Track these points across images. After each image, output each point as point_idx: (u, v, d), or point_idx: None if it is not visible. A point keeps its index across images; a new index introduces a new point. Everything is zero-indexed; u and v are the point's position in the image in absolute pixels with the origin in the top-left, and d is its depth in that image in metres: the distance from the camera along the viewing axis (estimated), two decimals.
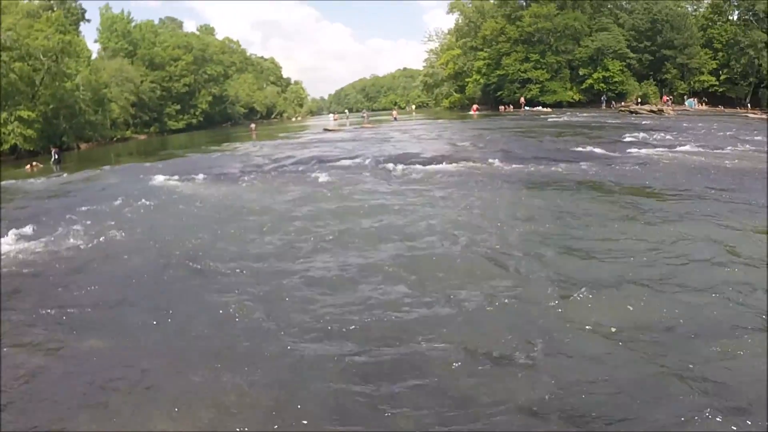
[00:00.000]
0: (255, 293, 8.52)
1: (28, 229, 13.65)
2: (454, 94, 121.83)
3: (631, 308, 7.18)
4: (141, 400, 6.00)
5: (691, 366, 5.89)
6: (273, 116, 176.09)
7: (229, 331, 7.35)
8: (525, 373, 6.03)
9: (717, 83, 79.60)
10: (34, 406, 6.03)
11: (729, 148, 23.32)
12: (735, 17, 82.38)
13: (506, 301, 7.64)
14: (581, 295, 7.54)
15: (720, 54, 79.92)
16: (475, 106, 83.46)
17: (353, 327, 7.18)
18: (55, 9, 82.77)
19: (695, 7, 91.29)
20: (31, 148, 55.63)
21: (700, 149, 22.82)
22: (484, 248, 9.89)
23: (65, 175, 30.38)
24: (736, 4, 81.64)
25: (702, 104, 74.22)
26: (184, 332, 7.40)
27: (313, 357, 6.55)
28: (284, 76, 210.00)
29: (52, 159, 43.24)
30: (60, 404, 6.04)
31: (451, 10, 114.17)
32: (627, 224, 11.20)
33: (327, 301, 8.08)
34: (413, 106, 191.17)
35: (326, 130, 60.25)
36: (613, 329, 6.73)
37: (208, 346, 6.98)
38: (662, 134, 30.10)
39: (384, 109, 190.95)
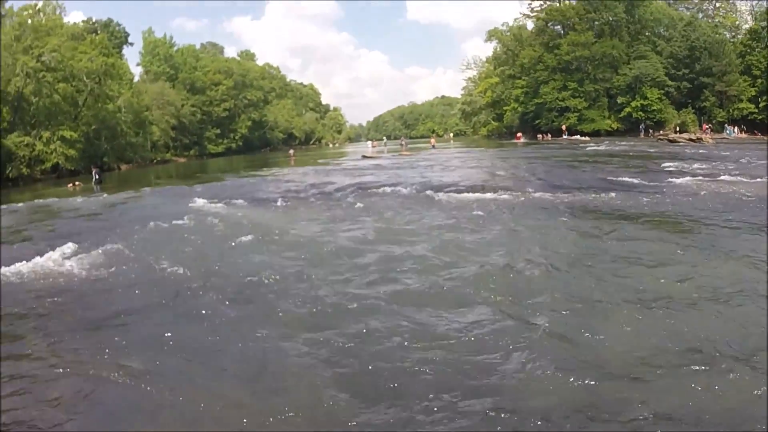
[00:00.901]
0: (289, 322, 8.45)
1: (68, 247, 13.64)
2: (492, 122, 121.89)
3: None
4: (166, 422, 6.06)
5: None
6: (312, 142, 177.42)
7: (262, 361, 7.27)
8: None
9: (756, 110, 78.44)
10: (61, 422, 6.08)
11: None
12: None
13: (543, 330, 7.56)
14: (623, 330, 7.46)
15: (759, 81, 78.62)
16: (519, 134, 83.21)
17: (395, 355, 7.14)
18: (99, 32, 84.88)
19: (733, 33, 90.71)
20: (73, 168, 56.68)
21: (740, 178, 22.38)
22: (519, 280, 9.81)
23: (105, 195, 30.61)
24: None
25: (742, 132, 73.30)
26: (218, 358, 7.38)
27: (358, 392, 6.46)
28: (323, 102, 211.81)
29: (93, 179, 43.72)
30: (85, 422, 6.09)
31: (489, 38, 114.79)
32: (668, 256, 10.91)
33: (366, 330, 7.97)
34: (451, 134, 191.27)
35: (364, 157, 60.15)
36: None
37: (243, 375, 6.91)
38: (701, 163, 29.65)
39: (422, 137, 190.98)
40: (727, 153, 38.12)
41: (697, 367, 6.28)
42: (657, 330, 7.29)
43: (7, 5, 63.20)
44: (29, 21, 58.64)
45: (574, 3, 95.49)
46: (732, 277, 9.44)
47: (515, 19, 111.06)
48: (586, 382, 6.08)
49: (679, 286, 8.95)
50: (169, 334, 8.16)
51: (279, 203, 21.52)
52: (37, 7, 61.76)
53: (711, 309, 8.02)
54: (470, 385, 6.28)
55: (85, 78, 63.38)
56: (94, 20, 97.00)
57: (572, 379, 6.22)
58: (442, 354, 7.02)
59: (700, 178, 22.71)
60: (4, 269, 12.05)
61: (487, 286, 9.39)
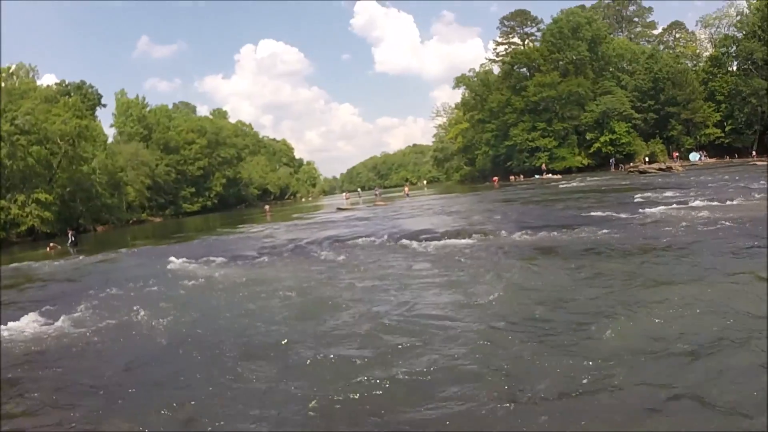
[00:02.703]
0: (271, 377, 8.44)
1: (46, 311, 13.59)
2: (465, 167, 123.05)
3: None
4: None
5: None
6: (287, 197, 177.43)
7: (247, 417, 7.40)
8: None
9: (723, 135, 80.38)
10: None
11: (738, 198, 23.31)
12: (734, 68, 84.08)
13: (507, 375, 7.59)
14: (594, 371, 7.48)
15: (723, 105, 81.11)
16: (495, 178, 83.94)
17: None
18: (72, 94, 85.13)
19: (695, 62, 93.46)
20: (48, 231, 56.48)
21: (710, 203, 22.60)
22: (493, 322, 9.86)
23: (82, 257, 30.31)
24: (734, 54, 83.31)
25: (706, 157, 74.54)
26: (201, 417, 7.46)
27: None
28: (296, 156, 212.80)
29: (69, 241, 43.70)
30: None
31: (457, 85, 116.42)
32: (640, 287, 10.93)
33: (347, 383, 8.07)
34: (425, 182, 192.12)
35: (339, 209, 60.04)
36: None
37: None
38: (672, 191, 29.91)
39: (396, 186, 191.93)
40: (697, 179, 38.73)
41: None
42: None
43: None
44: (2, 84, 58.93)
45: (538, 45, 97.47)
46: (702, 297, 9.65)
47: (482, 65, 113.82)
48: None
49: (638, 326, 8.82)
50: (147, 395, 8.17)
51: (256, 260, 21.33)
52: (10, 70, 62.24)
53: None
54: None
55: (59, 140, 63.49)
56: (67, 83, 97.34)
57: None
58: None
59: (673, 206, 22.88)
60: None
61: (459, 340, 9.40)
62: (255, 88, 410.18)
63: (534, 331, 9.11)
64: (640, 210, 22.72)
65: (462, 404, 6.75)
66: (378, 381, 7.74)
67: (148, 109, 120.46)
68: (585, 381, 6.82)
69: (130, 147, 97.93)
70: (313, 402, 7.18)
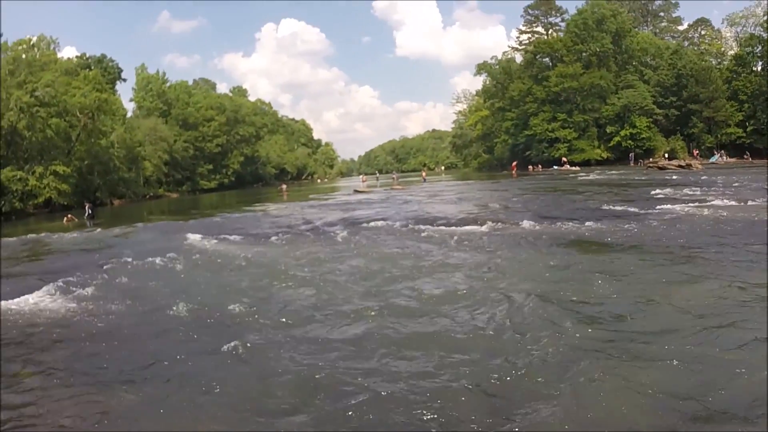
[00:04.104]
0: (285, 355, 8.40)
1: (61, 283, 13.52)
2: (483, 154, 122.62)
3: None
4: None
5: None
6: (303, 177, 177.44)
7: (259, 392, 7.33)
8: None
9: (744, 135, 79.39)
10: None
11: (758, 199, 23.09)
12: (759, 68, 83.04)
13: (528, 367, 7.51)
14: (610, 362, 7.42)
15: (746, 105, 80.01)
16: (514, 165, 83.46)
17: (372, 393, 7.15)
18: (92, 67, 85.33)
19: (719, 60, 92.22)
20: (65, 203, 56.69)
21: (729, 203, 22.49)
22: (507, 314, 9.76)
23: (98, 230, 30.29)
24: (759, 54, 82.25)
25: (726, 156, 73.77)
26: (214, 391, 7.39)
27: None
28: (314, 137, 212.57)
29: (86, 214, 43.79)
30: None
31: (478, 72, 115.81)
32: (658, 285, 10.83)
33: (355, 363, 8.04)
34: (442, 167, 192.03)
35: (356, 191, 60.17)
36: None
37: (236, 405, 6.94)
38: (691, 189, 29.66)
39: (413, 171, 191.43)
40: (716, 178, 38.32)
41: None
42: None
43: (1, 40, 63.72)
44: (23, 56, 58.96)
45: (561, 35, 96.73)
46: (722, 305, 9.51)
47: (504, 53, 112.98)
48: None
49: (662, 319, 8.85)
50: (162, 368, 8.19)
51: (272, 239, 21.28)
52: (32, 42, 62.19)
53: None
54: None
55: (78, 113, 63.56)
56: (87, 56, 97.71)
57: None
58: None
59: (691, 204, 22.69)
60: None
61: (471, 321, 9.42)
62: (275, 67, 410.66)
63: (540, 322, 9.06)
64: (659, 206, 22.55)
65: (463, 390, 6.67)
66: (382, 367, 7.76)
67: (168, 84, 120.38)
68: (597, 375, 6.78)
69: (148, 122, 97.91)
70: (321, 380, 7.19)
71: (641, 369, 6.94)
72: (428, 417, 6.12)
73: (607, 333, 8.38)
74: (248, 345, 8.79)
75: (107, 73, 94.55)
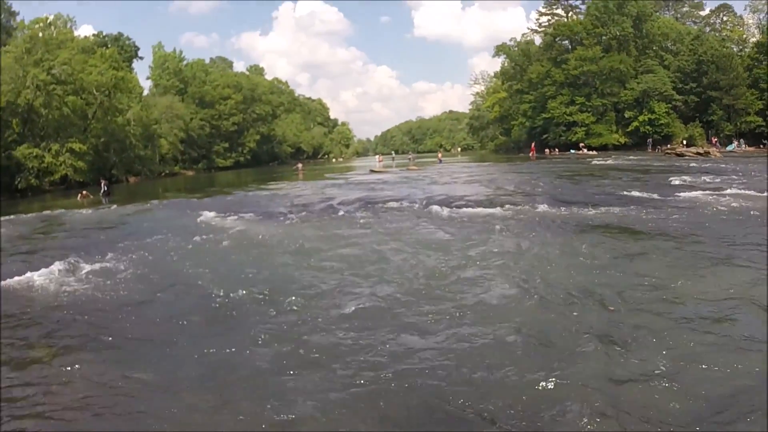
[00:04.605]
0: (299, 332, 8.43)
1: (74, 260, 13.63)
2: (500, 136, 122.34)
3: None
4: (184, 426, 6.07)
5: None
6: (319, 156, 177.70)
7: (274, 369, 7.29)
8: None
9: (764, 123, 78.37)
10: None
11: None
12: None
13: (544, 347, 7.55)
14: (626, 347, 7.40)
15: (766, 94, 78.76)
16: (533, 146, 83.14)
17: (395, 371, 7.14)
18: (109, 45, 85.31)
19: (741, 47, 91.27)
20: (81, 180, 56.84)
21: (747, 192, 22.30)
22: (525, 295, 9.70)
23: (114, 207, 30.55)
24: None
25: (746, 145, 72.93)
26: (229, 369, 7.39)
27: (358, 393, 6.57)
28: (331, 117, 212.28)
29: (102, 191, 43.95)
30: None
31: (497, 54, 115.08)
32: (677, 272, 10.73)
33: (367, 338, 8.04)
34: (459, 149, 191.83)
35: (372, 171, 60.31)
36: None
37: (251, 383, 6.96)
38: (709, 177, 29.45)
39: (429, 152, 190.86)
40: (735, 166, 37.99)
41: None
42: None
43: (18, 18, 63.78)
44: (40, 34, 58.94)
45: (581, 18, 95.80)
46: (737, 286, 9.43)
47: (523, 35, 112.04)
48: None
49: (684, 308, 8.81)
50: (175, 347, 8.20)
51: (288, 217, 21.38)
52: (48, 21, 62.24)
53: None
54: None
55: (94, 91, 63.70)
56: (104, 34, 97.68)
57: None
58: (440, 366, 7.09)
59: (709, 192, 22.54)
60: (9, 281, 12.16)
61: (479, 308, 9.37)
62: (292, 46, 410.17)
63: (553, 305, 9.13)
64: (676, 193, 22.43)
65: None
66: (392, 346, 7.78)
67: (184, 62, 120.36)
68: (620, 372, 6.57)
69: (165, 100, 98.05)
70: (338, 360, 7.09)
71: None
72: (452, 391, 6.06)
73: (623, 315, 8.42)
74: (260, 324, 8.85)
75: (124, 51, 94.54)
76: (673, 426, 5.49)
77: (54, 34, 61.09)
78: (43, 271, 12.79)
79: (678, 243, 13.46)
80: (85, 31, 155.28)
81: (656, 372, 6.58)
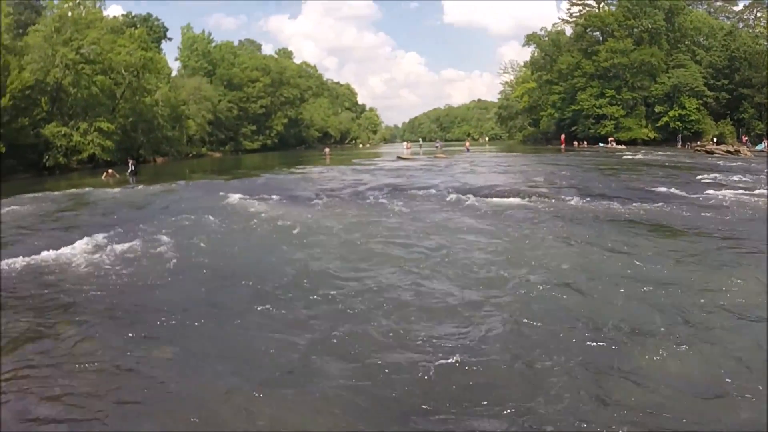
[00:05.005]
0: (317, 313, 8.48)
1: (99, 238, 13.89)
2: (528, 127, 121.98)
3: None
4: (204, 408, 6.12)
5: None
6: (347, 141, 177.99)
7: (292, 350, 7.34)
8: None
9: None
10: (99, 412, 6.10)
11: None
12: None
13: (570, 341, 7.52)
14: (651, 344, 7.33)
15: None
16: (563, 137, 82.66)
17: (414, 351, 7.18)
18: (138, 26, 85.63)
19: None
20: (109, 159, 57.12)
21: None
22: (545, 288, 9.68)
23: (141, 187, 30.97)
24: None
25: None
26: (250, 347, 7.40)
27: (376, 373, 6.62)
28: (359, 102, 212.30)
29: (129, 170, 44.24)
30: (127, 412, 6.15)
31: (527, 43, 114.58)
32: (704, 272, 10.68)
33: (390, 317, 8.12)
34: (486, 138, 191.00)
35: (399, 158, 60.36)
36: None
37: (273, 363, 7.01)
38: (739, 176, 29.12)
39: (457, 140, 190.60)
40: (766, 166, 37.50)
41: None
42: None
43: None
44: (69, 14, 59.09)
45: (613, 10, 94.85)
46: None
47: (554, 25, 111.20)
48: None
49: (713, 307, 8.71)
50: (198, 328, 8.25)
51: (314, 201, 21.54)
52: (77, 1, 62.37)
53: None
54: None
55: (123, 71, 64.05)
56: (133, 14, 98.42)
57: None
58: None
59: (738, 191, 22.37)
60: (35, 257, 12.33)
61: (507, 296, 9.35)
62: (320, 30, 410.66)
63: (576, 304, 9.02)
64: (706, 192, 22.27)
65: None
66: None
67: (213, 44, 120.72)
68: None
69: (193, 81, 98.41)
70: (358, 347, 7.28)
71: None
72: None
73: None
74: (284, 309, 8.88)
75: (153, 32, 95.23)
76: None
77: (83, 14, 61.18)
78: (67, 248, 13.04)
79: (704, 241, 13.45)
80: (114, 11, 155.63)
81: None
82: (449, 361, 6.92)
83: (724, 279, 10.05)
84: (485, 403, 6.01)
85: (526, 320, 8.14)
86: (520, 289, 9.63)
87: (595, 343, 7.31)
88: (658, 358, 6.92)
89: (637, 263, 11.09)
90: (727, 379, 6.35)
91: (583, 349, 7.16)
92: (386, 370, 6.72)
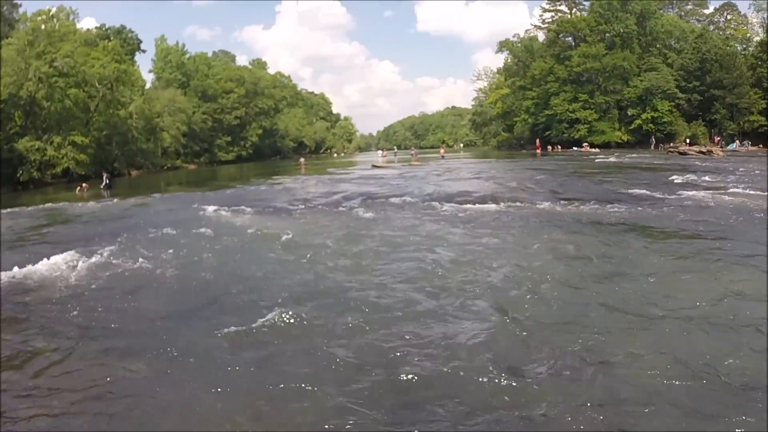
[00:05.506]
0: (295, 323, 8.49)
1: (75, 252, 13.67)
2: (503, 133, 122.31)
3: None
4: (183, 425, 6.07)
5: None
6: (322, 151, 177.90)
7: (270, 361, 7.35)
8: None
9: (767, 123, 78.37)
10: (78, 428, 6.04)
11: None
12: None
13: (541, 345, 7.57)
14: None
15: None
16: (537, 143, 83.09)
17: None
18: (111, 38, 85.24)
19: (744, 46, 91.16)
20: (83, 172, 56.71)
21: (750, 191, 22.38)
22: (523, 292, 9.75)
23: (115, 200, 30.76)
24: None
25: (749, 144, 72.68)
26: (227, 362, 7.39)
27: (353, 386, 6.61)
28: (333, 111, 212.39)
29: (103, 184, 44.04)
30: (107, 427, 6.09)
31: (500, 50, 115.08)
32: (677, 272, 10.74)
33: (364, 333, 8.09)
34: (461, 145, 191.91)
35: (374, 166, 60.40)
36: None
37: (249, 374, 6.99)
38: (712, 176, 29.49)
39: (432, 147, 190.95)
40: (737, 166, 37.94)
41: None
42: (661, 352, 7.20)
43: (20, 10, 63.73)
44: (42, 27, 58.81)
45: (585, 15, 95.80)
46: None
47: (526, 31, 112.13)
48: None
49: (682, 304, 8.85)
50: (174, 339, 8.20)
51: (288, 212, 21.52)
52: (51, 13, 62.07)
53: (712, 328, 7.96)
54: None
55: (97, 84, 63.59)
56: (107, 27, 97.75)
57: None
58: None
59: (711, 191, 22.62)
60: (10, 272, 12.17)
61: (487, 300, 9.40)
62: (295, 40, 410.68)
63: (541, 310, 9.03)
64: (679, 192, 22.53)
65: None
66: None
67: (187, 56, 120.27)
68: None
69: (167, 93, 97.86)
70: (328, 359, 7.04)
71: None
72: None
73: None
74: (255, 319, 8.75)
75: (126, 44, 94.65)
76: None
77: (56, 27, 60.94)
78: (43, 263, 12.86)
79: (678, 241, 13.60)
80: (87, 23, 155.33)
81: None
82: (425, 365, 6.99)
83: (699, 280, 10.17)
84: (462, 407, 6.05)
85: (501, 325, 8.21)
86: (492, 293, 9.67)
87: (571, 347, 7.36)
88: (630, 359, 6.99)
89: (610, 265, 11.24)
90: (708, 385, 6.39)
91: (561, 352, 7.23)
92: (363, 376, 6.77)
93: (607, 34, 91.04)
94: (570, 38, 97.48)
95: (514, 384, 6.44)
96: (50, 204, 30.11)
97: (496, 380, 6.52)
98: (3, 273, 12.10)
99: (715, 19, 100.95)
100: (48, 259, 13.13)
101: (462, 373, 6.74)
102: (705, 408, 5.84)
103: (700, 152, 54.75)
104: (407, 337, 7.91)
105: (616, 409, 5.88)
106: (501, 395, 6.24)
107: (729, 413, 5.75)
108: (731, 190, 22.82)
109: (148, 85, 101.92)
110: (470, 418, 5.81)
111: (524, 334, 7.86)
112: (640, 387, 6.28)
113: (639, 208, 18.64)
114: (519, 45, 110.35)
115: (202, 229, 17.00)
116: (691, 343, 7.38)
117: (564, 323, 8.16)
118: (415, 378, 6.65)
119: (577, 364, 6.89)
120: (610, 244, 13.33)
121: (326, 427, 5.78)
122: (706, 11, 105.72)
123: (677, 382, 6.36)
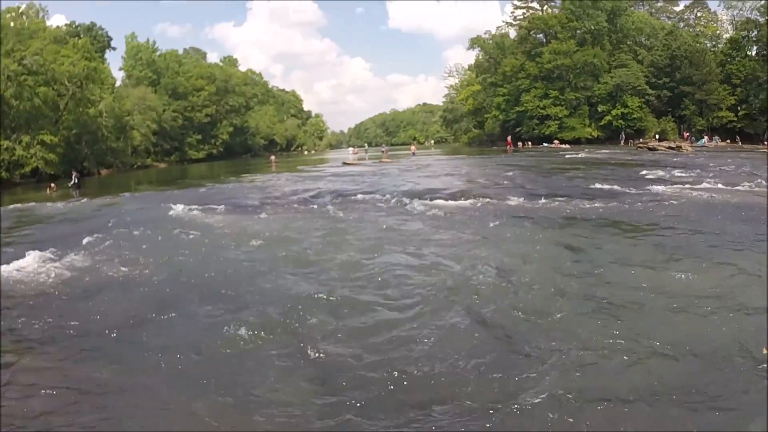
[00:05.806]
0: (267, 323, 8.46)
1: (46, 252, 13.63)
2: (474, 129, 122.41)
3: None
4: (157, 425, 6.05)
5: None
6: (293, 149, 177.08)
7: (242, 361, 7.30)
8: None
9: (736, 119, 79.52)
10: None
11: (745, 184, 23.23)
12: (753, 53, 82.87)
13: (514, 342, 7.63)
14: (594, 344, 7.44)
15: (738, 90, 79.87)
16: (508, 139, 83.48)
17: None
18: (81, 36, 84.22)
19: (714, 43, 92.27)
20: (52, 172, 56.21)
21: (718, 186, 22.70)
22: (496, 290, 9.79)
23: (85, 200, 30.58)
24: (755, 39, 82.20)
25: (718, 140, 73.68)
26: (199, 362, 7.36)
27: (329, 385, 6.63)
28: (305, 108, 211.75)
29: (71, 183, 43.67)
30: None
31: (471, 46, 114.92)
32: (645, 265, 10.84)
33: (336, 331, 8.14)
34: (432, 141, 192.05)
35: (345, 163, 60.67)
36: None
37: (220, 375, 6.95)
38: (680, 171, 29.93)
39: (403, 144, 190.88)
40: (706, 161, 38.56)
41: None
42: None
43: None
44: (12, 24, 58.16)
45: (556, 12, 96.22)
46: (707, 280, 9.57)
47: (498, 27, 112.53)
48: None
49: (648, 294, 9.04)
50: (145, 340, 8.18)
51: (259, 210, 21.51)
52: (20, 10, 61.42)
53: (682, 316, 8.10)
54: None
55: (66, 82, 62.90)
56: (76, 24, 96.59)
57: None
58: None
59: (679, 186, 22.93)
60: None
61: (456, 294, 9.47)
62: (266, 37, 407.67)
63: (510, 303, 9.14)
64: (648, 187, 22.84)
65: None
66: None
67: (158, 53, 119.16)
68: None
69: (138, 91, 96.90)
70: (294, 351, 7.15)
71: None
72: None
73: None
74: (224, 316, 8.90)
75: (96, 41, 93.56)
76: None
77: (26, 24, 60.33)
78: (11, 265, 12.78)
79: (649, 234, 13.85)
80: (57, 21, 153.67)
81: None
82: (407, 363, 7.05)
83: (669, 272, 10.35)
84: (448, 404, 6.11)
85: (476, 321, 8.32)
86: (468, 290, 9.75)
87: (553, 343, 7.44)
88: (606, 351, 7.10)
89: (579, 259, 11.42)
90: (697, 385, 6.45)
91: (542, 345, 7.32)
92: (344, 375, 6.81)
93: (578, 31, 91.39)
94: (541, 35, 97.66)
95: (496, 383, 6.50)
96: (19, 204, 29.95)
97: (479, 378, 6.61)
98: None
99: (686, 17, 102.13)
100: (14, 261, 13.05)
101: (443, 373, 6.79)
102: (689, 389, 6.07)
103: (670, 148, 55.39)
104: (382, 338, 7.95)
105: (609, 402, 5.98)
106: (484, 393, 6.29)
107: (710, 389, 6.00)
108: (700, 185, 23.15)
109: (118, 83, 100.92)
110: (453, 417, 5.86)
111: (503, 328, 8.00)
112: (623, 373, 6.48)
113: (611, 204, 18.86)
114: (490, 42, 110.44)
115: (173, 229, 16.96)
116: (668, 330, 7.53)
117: (544, 314, 8.33)
118: (390, 380, 6.68)
119: (561, 357, 6.99)
120: (583, 237, 13.51)
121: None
122: (677, 8, 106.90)
123: (658, 368, 6.56)
